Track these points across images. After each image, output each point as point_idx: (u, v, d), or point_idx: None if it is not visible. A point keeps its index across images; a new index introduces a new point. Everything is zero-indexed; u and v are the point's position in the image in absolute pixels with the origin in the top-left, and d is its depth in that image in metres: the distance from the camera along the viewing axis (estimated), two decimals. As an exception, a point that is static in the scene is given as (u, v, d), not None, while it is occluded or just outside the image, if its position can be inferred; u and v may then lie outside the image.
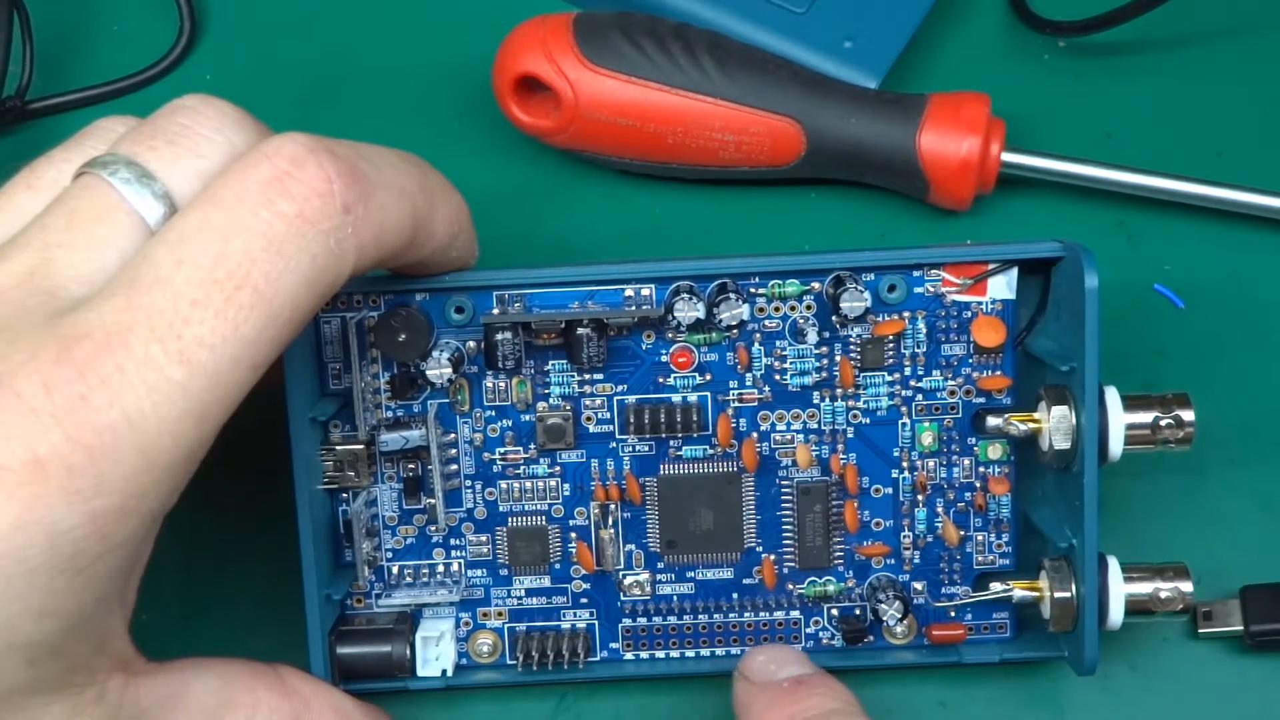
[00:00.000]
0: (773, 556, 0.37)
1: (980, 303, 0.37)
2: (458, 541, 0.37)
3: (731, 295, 0.36)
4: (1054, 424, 0.34)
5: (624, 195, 0.44)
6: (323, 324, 0.36)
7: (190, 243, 0.28)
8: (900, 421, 0.37)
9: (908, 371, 0.37)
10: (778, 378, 0.37)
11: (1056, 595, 0.35)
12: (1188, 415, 0.35)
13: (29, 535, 0.26)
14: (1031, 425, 0.35)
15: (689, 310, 0.36)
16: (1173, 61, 0.45)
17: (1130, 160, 0.42)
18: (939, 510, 0.37)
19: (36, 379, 0.27)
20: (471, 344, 0.37)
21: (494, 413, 0.37)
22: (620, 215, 0.44)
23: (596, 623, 0.37)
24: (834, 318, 0.36)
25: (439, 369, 0.36)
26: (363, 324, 0.36)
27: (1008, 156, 0.42)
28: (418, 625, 0.37)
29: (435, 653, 0.36)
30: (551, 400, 0.37)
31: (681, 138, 0.41)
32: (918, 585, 0.37)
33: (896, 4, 0.44)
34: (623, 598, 0.37)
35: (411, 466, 0.37)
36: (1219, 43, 0.45)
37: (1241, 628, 0.38)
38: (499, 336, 0.36)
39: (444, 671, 0.36)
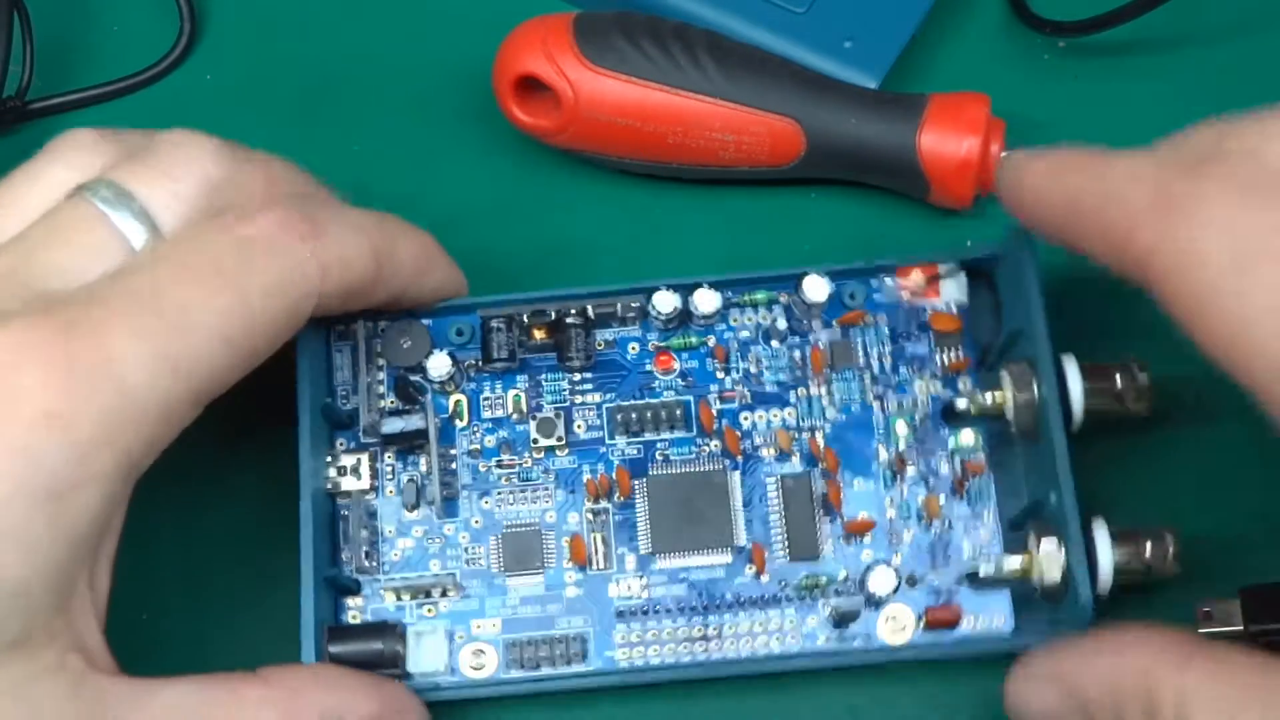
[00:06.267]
0: (764, 549, 0.38)
1: (936, 305, 0.40)
2: (454, 553, 0.38)
3: (705, 285, 0.39)
4: (1014, 378, 0.37)
5: (624, 195, 0.44)
6: (335, 352, 0.39)
7: (167, 248, 0.32)
8: (874, 417, 0.39)
9: (876, 370, 0.39)
10: (755, 380, 0.39)
11: (1044, 548, 0.36)
12: (1143, 376, 0.37)
13: (5, 458, 0.28)
14: (996, 396, 0.37)
15: (668, 300, 0.39)
16: (1173, 61, 0.46)
17: (1130, 160, 0.43)
18: (920, 500, 0.38)
19: (15, 331, 0.29)
20: (470, 362, 0.39)
21: (490, 425, 0.39)
22: (620, 215, 0.44)
23: (590, 630, 0.37)
24: (801, 320, 0.40)
25: (439, 365, 0.38)
26: (371, 334, 0.39)
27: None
28: (410, 630, 0.37)
29: (429, 653, 0.37)
30: (544, 411, 0.39)
31: (681, 138, 0.42)
32: (909, 578, 0.38)
33: (896, 4, 0.45)
34: (616, 602, 0.37)
35: (411, 480, 0.39)
36: (1219, 43, 0.46)
37: (1241, 628, 0.38)
38: (494, 324, 0.39)
39: (436, 672, 0.37)
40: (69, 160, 0.34)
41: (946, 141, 0.42)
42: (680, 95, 0.41)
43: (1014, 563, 0.36)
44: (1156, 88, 0.45)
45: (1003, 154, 0.37)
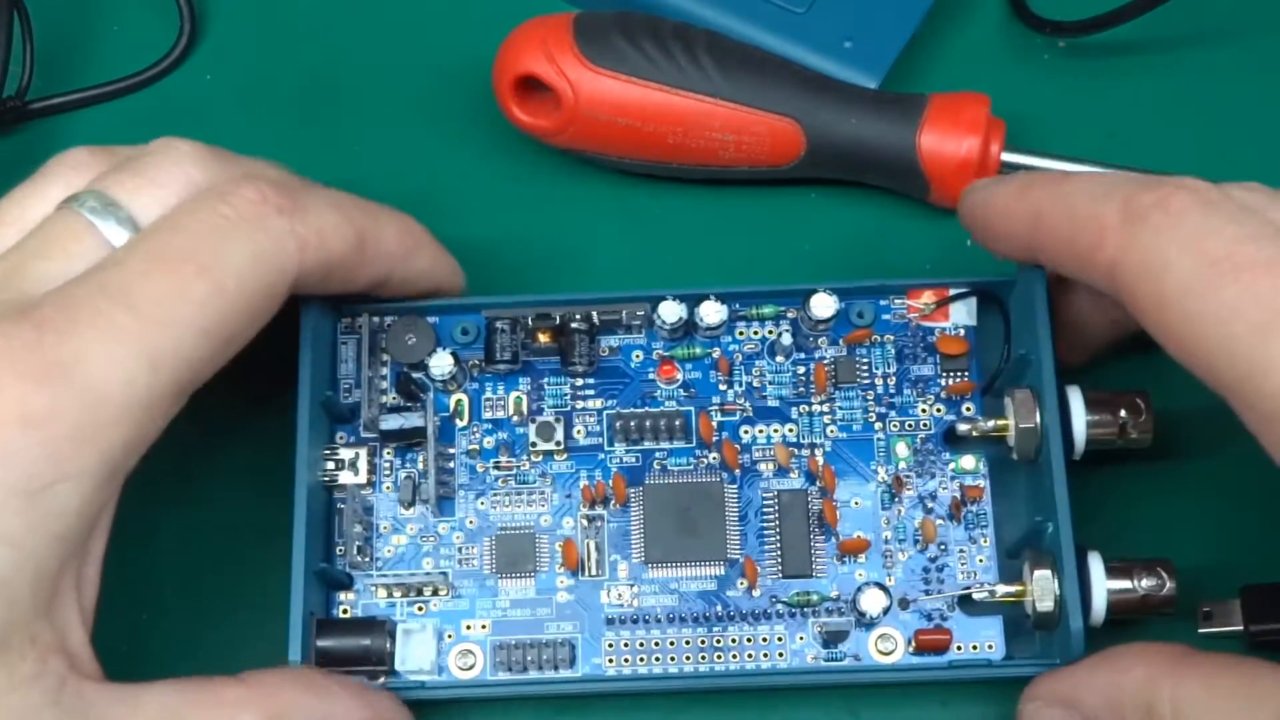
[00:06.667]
0: (756, 563, 0.38)
1: (944, 328, 0.40)
2: (447, 552, 0.38)
3: (712, 297, 0.39)
4: (1018, 404, 0.37)
5: (624, 195, 0.44)
6: (340, 344, 0.39)
7: (142, 239, 0.33)
8: (875, 437, 0.39)
9: (880, 390, 0.39)
10: (758, 394, 0.39)
11: (1038, 577, 0.36)
12: (1146, 408, 0.38)
13: None
14: (998, 422, 0.37)
15: (673, 309, 0.39)
16: (1173, 61, 0.46)
17: (1130, 160, 0.43)
18: (916, 522, 0.38)
19: None
20: (474, 362, 0.39)
21: (490, 425, 0.39)
22: (620, 215, 0.44)
23: (579, 636, 0.37)
24: (807, 334, 0.40)
25: (442, 363, 0.39)
26: (376, 329, 0.39)
27: (1007, 156, 0.42)
28: (399, 628, 0.37)
29: (416, 651, 0.37)
30: (544, 415, 0.39)
31: (681, 138, 0.42)
32: (901, 600, 0.38)
33: (896, 4, 0.45)
34: (606, 609, 0.37)
35: (409, 476, 0.39)
36: (1219, 43, 0.46)
37: (1241, 628, 0.38)
38: (498, 324, 0.39)
39: (424, 670, 0.36)
40: (64, 176, 0.35)
41: (946, 141, 0.42)
42: (680, 95, 0.41)
43: (1008, 590, 0.37)
44: (1156, 88, 0.46)
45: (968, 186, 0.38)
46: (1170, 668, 0.33)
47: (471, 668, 0.37)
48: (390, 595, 0.38)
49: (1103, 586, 0.36)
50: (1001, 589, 0.36)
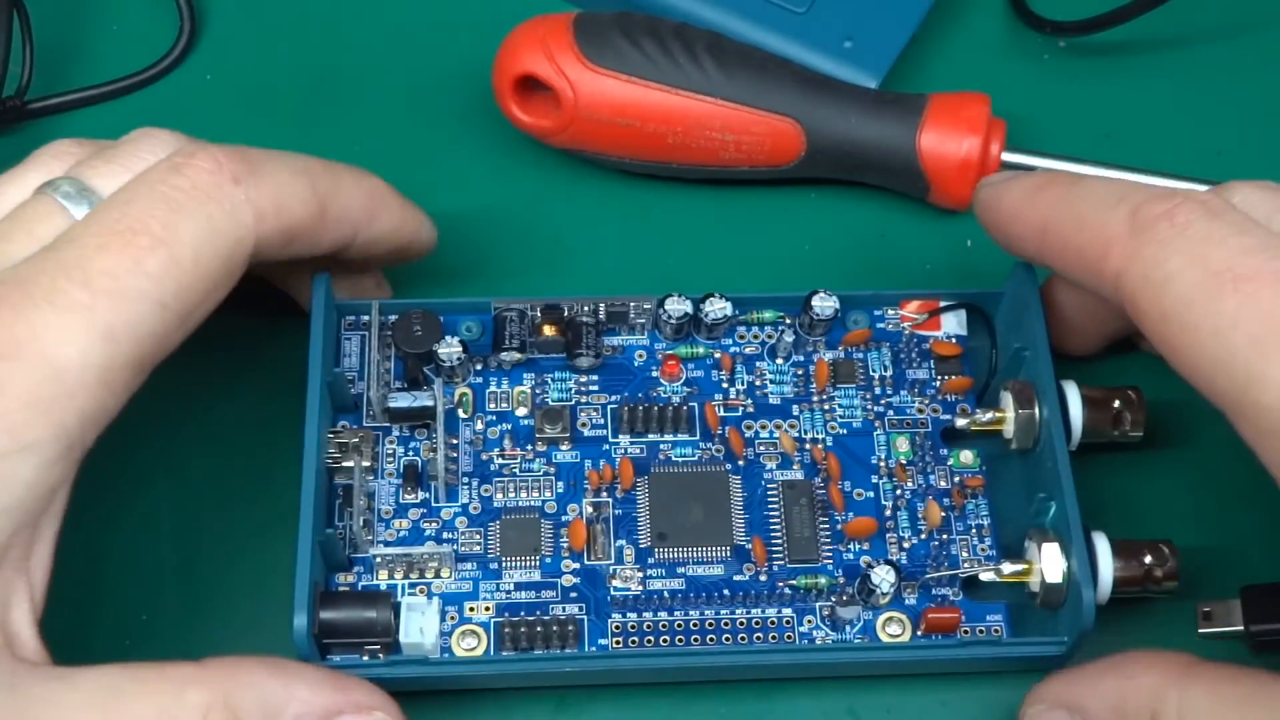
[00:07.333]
0: (765, 545, 0.38)
1: (937, 336, 0.40)
2: (450, 536, 0.38)
3: (715, 294, 0.39)
4: (1016, 394, 0.37)
5: (624, 195, 0.44)
6: (344, 339, 0.40)
7: (97, 214, 0.33)
8: (875, 433, 0.39)
9: (878, 390, 0.40)
10: (759, 391, 0.40)
11: (1045, 552, 0.36)
12: (1138, 400, 0.38)
13: None
14: (996, 414, 0.38)
15: (678, 305, 0.39)
16: (1173, 61, 0.46)
17: (1130, 160, 0.43)
18: (920, 514, 0.38)
19: None
20: (479, 358, 0.40)
21: (495, 417, 0.39)
22: (620, 215, 0.44)
23: (586, 618, 0.37)
24: (807, 336, 0.40)
25: (449, 348, 0.39)
26: (382, 326, 0.39)
27: (1008, 156, 0.43)
28: (403, 602, 0.37)
29: (420, 627, 0.36)
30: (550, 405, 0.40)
31: (681, 138, 0.42)
32: (906, 587, 0.38)
33: (896, 4, 0.45)
34: (613, 593, 0.37)
35: (412, 463, 0.38)
36: (1219, 43, 0.46)
37: (1242, 628, 0.38)
38: (509, 314, 0.39)
39: (427, 646, 0.36)
40: (46, 164, 0.35)
41: (946, 141, 0.42)
42: (680, 95, 0.41)
43: (1015, 567, 0.37)
44: (1156, 88, 0.46)
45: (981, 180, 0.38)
46: (1177, 676, 0.33)
47: (475, 649, 0.37)
48: (392, 576, 0.37)
49: (1109, 561, 0.36)
50: (1008, 567, 0.36)
